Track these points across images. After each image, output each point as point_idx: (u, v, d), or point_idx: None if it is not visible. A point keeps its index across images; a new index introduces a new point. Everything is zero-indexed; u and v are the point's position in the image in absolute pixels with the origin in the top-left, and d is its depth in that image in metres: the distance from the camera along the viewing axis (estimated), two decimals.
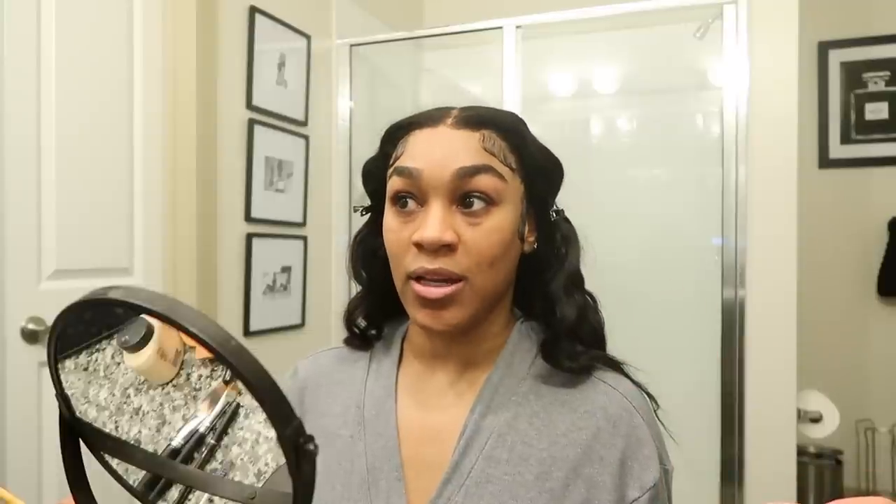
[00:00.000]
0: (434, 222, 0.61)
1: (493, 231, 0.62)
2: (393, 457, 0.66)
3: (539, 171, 0.67)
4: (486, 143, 0.63)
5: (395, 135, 0.67)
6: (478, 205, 0.62)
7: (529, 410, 0.65)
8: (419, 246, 0.61)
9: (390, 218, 0.65)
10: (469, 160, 0.62)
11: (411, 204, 0.63)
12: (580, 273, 0.70)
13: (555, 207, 0.70)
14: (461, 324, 0.63)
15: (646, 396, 0.68)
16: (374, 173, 0.70)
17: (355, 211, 0.72)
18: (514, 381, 0.66)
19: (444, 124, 0.64)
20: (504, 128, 0.65)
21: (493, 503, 0.61)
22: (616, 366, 0.69)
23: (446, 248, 0.61)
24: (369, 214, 0.73)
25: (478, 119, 0.64)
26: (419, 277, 0.62)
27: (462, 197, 0.62)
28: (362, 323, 0.75)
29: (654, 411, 0.68)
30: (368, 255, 0.72)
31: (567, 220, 0.72)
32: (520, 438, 0.63)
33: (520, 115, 0.70)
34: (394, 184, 0.64)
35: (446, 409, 0.67)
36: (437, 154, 0.62)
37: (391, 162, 0.66)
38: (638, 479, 0.62)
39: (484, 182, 0.62)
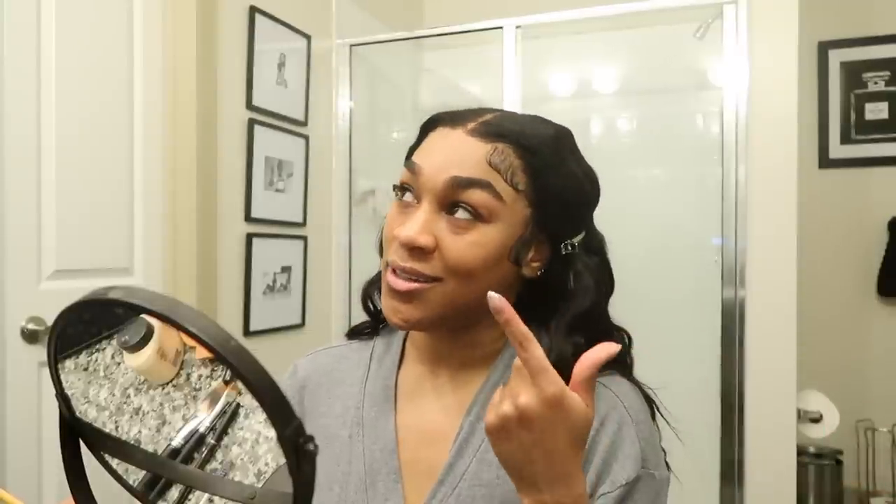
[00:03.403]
0: (414, 223, 0.61)
1: (475, 245, 0.60)
2: (391, 459, 0.66)
3: (555, 200, 0.63)
4: (493, 157, 0.61)
5: (426, 126, 0.67)
6: (463, 216, 0.60)
7: None
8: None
9: (392, 206, 0.66)
10: (466, 171, 0.60)
11: (410, 197, 0.63)
12: (590, 314, 0.65)
13: (573, 240, 0.65)
14: (422, 323, 0.62)
15: (641, 398, 0.66)
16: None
17: (394, 189, 0.71)
18: None
19: (462, 128, 0.63)
20: (525, 145, 0.62)
21: None
22: (619, 368, 0.68)
23: (420, 251, 0.60)
24: None
25: (497, 130, 0.62)
26: (394, 269, 0.62)
27: (451, 205, 0.61)
28: (378, 302, 0.74)
29: (653, 415, 0.67)
30: None
31: (598, 253, 0.68)
32: None
33: (569, 132, 0.66)
34: (402, 174, 0.65)
35: (444, 411, 0.67)
36: (439, 157, 0.62)
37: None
38: (612, 474, 0.60)
39: (476, 196, 0.60)
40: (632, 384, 0.67)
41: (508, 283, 0.65)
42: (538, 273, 0.65)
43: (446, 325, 0.64)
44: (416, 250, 0.60)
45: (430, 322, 0.63)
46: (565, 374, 0.63)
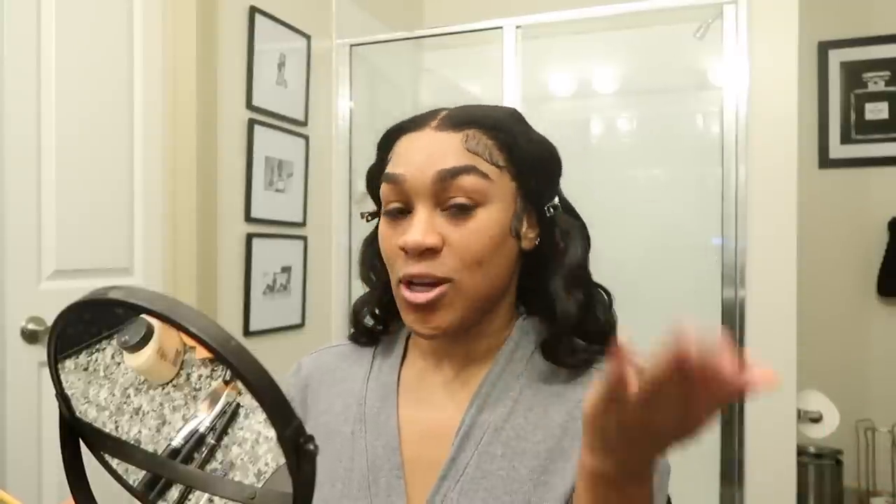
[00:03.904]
0: (417, 227, 0.62)
1: (479, 231, 0.62)
2: (393, 455, 0.66)
3: (532, 167, 0.66)
4: (469, 143, 0.63)
5: (388, 141, 0.68)
6: (461, 206, 0.62)
7: (525, 405, 0.65)
8: (405, 250, 0.62)
9: (383, 224, 0.67)
10: (450, 162, 0.62)
11: (400, 209, 0.64)
12: (583, 268, 0.68)
13: (553, 202, 0.69)
14: (451, 328, 0.63)
15: None
16: (375, 178, 0.70)
17: (361, 217, 0.72)
18: (511, 377, 0.67)
19: (428, 127, 0.65)
20: (491, 125, 0.64)
21: (488, 498, 0.62)
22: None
23: (430, 252, 0.61)
24: (377, 218, 0.73)
25: (462, 119, 0.64)
26: (409, 282, 0.63)
27: (445, 199, 0.62)
28: (370, 322, 0.76)
29: None
30: (376, 257, 0.72)
31: (571, 213, 0.71)
32: (515, 433, 0.64)
33: (517, 110, 0.70)
34: (383, 191, 0.66)
35: (446, 406, 0.68)
36: (418, 158, 0.63)
37: (385, 164, 0.67)
38: None
39: (466, 183, 0.62)
40: None
41: (513, 261, 0.67)
42: (535, 242, 0.68)
43: (468, 324, 0.65)
44: (425, 253, 0.61)
45: (458, 325, 0.64)
46: (572, 332, 0.66)
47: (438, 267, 0.62)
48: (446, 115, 0.65)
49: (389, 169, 0.65)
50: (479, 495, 0.62)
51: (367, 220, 0.73)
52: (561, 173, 0.71)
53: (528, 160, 0.66)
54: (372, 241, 0.73)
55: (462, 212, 0.62)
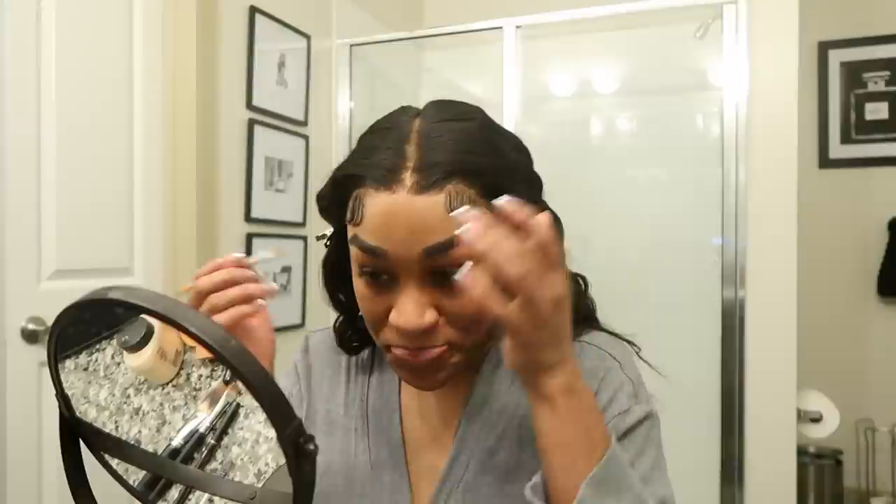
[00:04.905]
0: (410, 308, 0.55)
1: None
2: (396, 453, 0.67)
3: (516, 191, 0.57)
4: (453, 205, 0.54)
5: (347, 186, 0.58)
6: (452, 274, 0.52)
7: (518, 395, 0.65)
8: (398, 329, 0.57)
9: (361, 285, 0.59)
10: (438, 235, 0.54)
11: (381, 276, 0.57)
12: None
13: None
14: (448, 380, 0.60)
15: (623, 344, 0.68)
16: (332, 208, 0.63)
17: (318, 240, 0.67)
18: (505, 374, 0.67)
19: (401, 188, 0.54)
20: (470, 170, 0.55)
21: (490, 493, 0.62)
22: (590, 324, 0.69)
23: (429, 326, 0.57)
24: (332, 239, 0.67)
25: (439, 172, 0.54)
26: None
27: (435, 269, 0.55)
28: (356, 344, 0.73)
29: (638, 354, 0.69)
30: (342, 278, 0.66)
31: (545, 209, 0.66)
32: (511, 423, 0.64)
33: (483, 113, 0.62)
34: (357, 257, 0.58)
35: (445, 407, 0.68)
36: (400, 232, 0.54)
37: (349, 219, 0.58)
38: (610, 409, 0.61)
39: (458, 253, 0.51)
40: (609, 335, 0.69)
41: None
42: None
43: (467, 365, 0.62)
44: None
45: (455, 375, 0.61)
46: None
47: (435, 338, 0.57)
48: (417, 167, 0.55)
49: (364, 237, 0.56)
50: (481, 491, 0.62)
51: (326, 245, 0.67)
52: (542, 184, 0.65)
53: (511, 185, 0.57)
54: (334, 263, 0.67)
55: (456, 282, 0.52)
